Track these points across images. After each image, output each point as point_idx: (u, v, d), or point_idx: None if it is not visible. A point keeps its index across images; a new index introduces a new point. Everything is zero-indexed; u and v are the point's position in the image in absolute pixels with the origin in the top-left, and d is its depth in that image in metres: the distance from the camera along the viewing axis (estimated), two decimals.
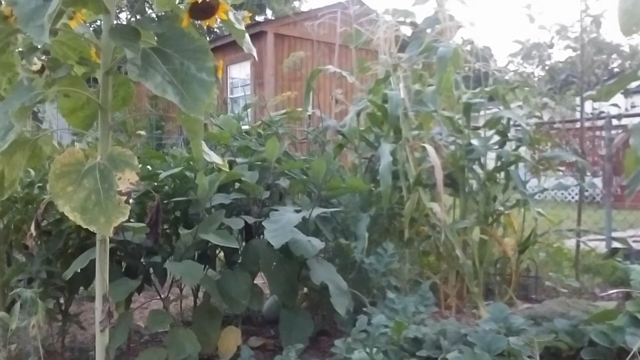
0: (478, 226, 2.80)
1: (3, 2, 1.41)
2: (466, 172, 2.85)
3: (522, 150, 3.02)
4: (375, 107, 2.92)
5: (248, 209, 2.37)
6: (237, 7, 1.57)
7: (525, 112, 3.14)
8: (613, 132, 4.49)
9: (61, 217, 2.01)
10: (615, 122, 4.48)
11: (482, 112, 3.16)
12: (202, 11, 1.41)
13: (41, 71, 1.56)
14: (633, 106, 5.44)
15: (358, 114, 2.98)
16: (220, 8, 1.41)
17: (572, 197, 6.99)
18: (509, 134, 3.06)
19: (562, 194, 7.11)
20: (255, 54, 1.68)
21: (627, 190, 2.03)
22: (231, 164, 2.31)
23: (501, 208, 2.95)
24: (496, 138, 3.04)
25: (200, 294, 2.41)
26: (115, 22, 1.50)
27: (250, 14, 1.59)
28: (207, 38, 11.89)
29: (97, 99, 1.53)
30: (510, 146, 3.05)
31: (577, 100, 3.77)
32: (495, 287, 2.93)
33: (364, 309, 2.03)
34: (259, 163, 2.43)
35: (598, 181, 4.79)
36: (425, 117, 2.90)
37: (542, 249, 3.38)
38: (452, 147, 2.91)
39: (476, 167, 2.92)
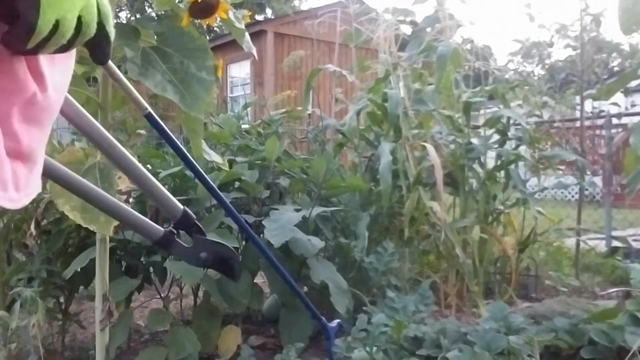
0: (478, 225, 2.80)
1: None
2: (466, 171, 2.85)
3: (522, 149, 3.02)
4: (375, 106, 2.92)
5: (248, 208, 2.37)
6: (236, 6, 1.57)
7: (525, 111, 3.14)
8: (613, 130, 4.50)
9: (61, 216, 2.01)
10: (615, 120, 4.48)
11: (482, 111, 3.16)
12: (202, 10, 1.41)
13: None
14: (633, 105, 5.44)
15: (358, 113, 2.98)
16: (220, 7, 1.41)
17: (572, 196, 6.99)
18: (508, 133, 3.06)
19: (562, 192, 7.11)
20: (255, 52, 1.68)
21: (627, 189, 2.03)
22: (231, 163, 2.31)
23: (501, 207, 2.95)
24: (496, 137, 3.04)
25: (201, 293, 2.41)
26: (115, 21, 1.50)
27: (250, 13, 1.59)
28: (207, 37, 11.88)
29: (97, 98, 1.53)
30: (510, 145, 3.05)
31: (577, 99, 3.77)
32: (495, 286, 2.93)
33: (364, 308, 2.03)
34: (259, 162, 2.43)
35: (598, 180, 4.79)
36: (425, 116, 2.90)
37: (542, 247, 3.38)
38: (452, 146, 2.91)
39: (476, 166, 2.92)
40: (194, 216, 0.91)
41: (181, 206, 0.91)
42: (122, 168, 0.85)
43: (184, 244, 0.92)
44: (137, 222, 0.88)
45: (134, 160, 0.84)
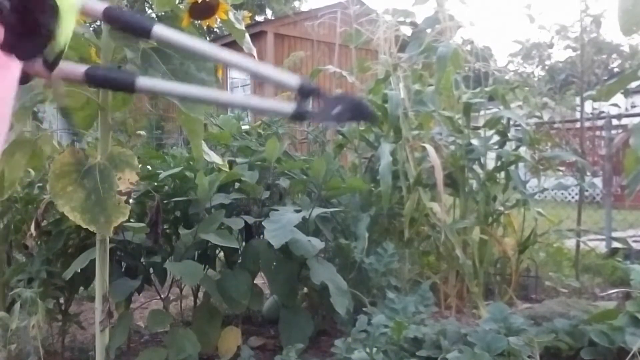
0: (478, 226, 2.80)
1: None
2: (466, 172, 2.85)
3: (522, 150, 3.02)
4: (375, 107, 2.92)
5: (248, 209, 2.37)
6: (237, 7, 1.57)
7: (525, 112, 3.14)
8: (613, 132, 4.49)
9: (61, 217, 2.01)
10: (615, 122, 4.48)
11: (482, 112, 3.16)
12: (202, 11, 1.41)
13: None
14: (633, 106, 5.44)
15: None
16: (220, 8, 1.42)
17: (572, 197, 7.00)
18: (509, 134, 3.06)
19: (562, 193, 7.11)
20: (255, 53, 1.68)
21: (627, 190, 2.03)
22: (231, 164, 2.31)
23: (501, 208, 2.95)
24: (496, 138, 3.04)
25: (200, 294, 2.41)
26: None
27: (250, 14, 1.59)
28: (207, 38, 11.87)
29: (97, 99, 1.53)
30: (510, 146, 3.05)
31: (577, 100, 3.77)
32: (495, 287, 2.93)
33: (364, 309, 2.03)
34: (259, 163, 2.43)
35: (598, 181, 4.79)
36: (425, 117, 2.90)
37: (542, 248, 3.38)
38: (452, 147, 2.91)
39: (476, 167, 2.92)
40: (310, 82, 0.94)
41: (295, 77, 0.93)
42: (226, 63, 0.97)
43: (315, 109, 0.94)
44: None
45: (232, 54, 0.94)
